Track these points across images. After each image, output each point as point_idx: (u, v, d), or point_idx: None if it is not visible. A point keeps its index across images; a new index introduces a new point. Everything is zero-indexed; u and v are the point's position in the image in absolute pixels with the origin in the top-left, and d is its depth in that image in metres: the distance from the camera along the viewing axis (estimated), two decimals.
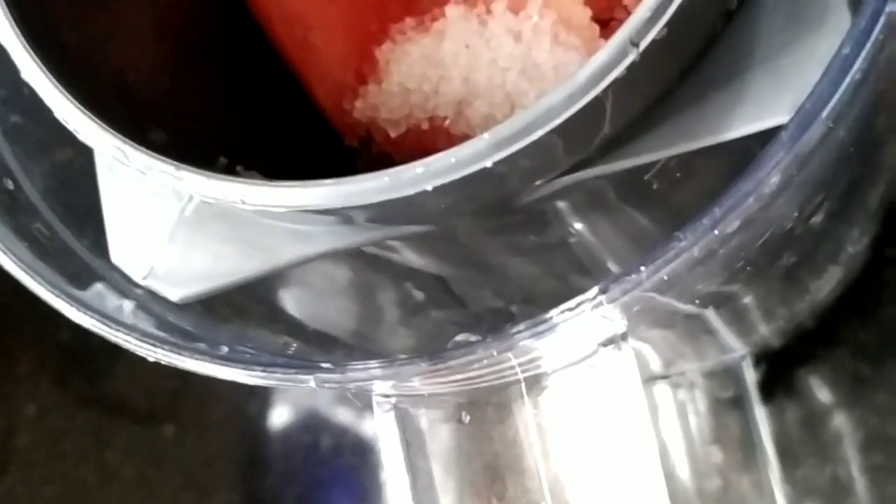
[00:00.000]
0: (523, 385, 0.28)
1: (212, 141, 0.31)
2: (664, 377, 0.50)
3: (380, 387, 0.27)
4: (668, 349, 0.46)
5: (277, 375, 0.26)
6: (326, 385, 0.26)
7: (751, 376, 0.52)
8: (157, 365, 0.67)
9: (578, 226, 0.35)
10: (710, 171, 0.33)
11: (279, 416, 0.65)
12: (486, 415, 0.28)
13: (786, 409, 0.55)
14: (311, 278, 0.40)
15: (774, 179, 0.24)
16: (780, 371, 0.55)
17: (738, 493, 0.53)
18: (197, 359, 0.26)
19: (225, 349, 0.27)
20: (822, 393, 0.56)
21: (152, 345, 0.27)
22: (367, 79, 0.34)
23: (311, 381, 0.25)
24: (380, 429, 0.29)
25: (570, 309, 0.24)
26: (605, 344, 0.27)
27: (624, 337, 0.27)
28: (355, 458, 0.64)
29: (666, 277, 0.24)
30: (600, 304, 0.24)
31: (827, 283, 0.47)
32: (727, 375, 0.52)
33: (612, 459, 0.28)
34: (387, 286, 0.44)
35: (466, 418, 0.29)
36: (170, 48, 0.32)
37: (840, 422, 0.56)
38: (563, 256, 0.38)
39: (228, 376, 0.26)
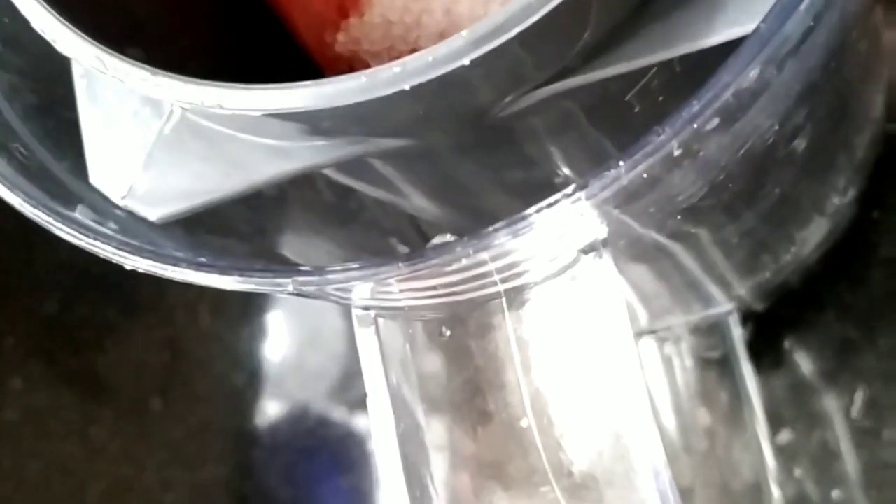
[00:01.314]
0: (504, 299, 0.28)
1: (188, 64, 0.30)
2: (651, 332, 0.50)
3: (359, 296, 0.27)
4: (653, 300, 0.45)
5: (255, 279, 0.26)
6: (304, 288, 0.25)
7: (738, 333, 0.52)
8: (143, 339, 0.67)
9: (560, 162, 0.35)
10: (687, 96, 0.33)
11: (266, 388, 0.65)
12: (466, 329, 0.28)
13: (772, 373, 0.55)
14: (296, 225, 0.40)
15: (753, 73, 0.24)
16: (766, 334, 0.55)
17: (726, 450, 0.53)
18: (175, 265, 0.26)
19: (203, 259, 0.27)
20: (810, 357, 0.56)
21: (131, 252, 0.26)
22: (350, 12, 0.34)
23: (289, 284, 0.25)
24: (360, 343, 0.28)
25: (549, 205, 0.24)
26: (585, 251, 0.27)
27: (604, 244, 0.27)
28: (342, 429, 0.64)
29: (645, 175, 0.24)
30: (579, 199, 0.24)
31: (813, 236, 0.47)
32: (714, 332, 0.52)
33: (594, 372, 0.28)
34: (369, 239, 0.44)
35: (447, 333, 0.28)
36: None
37: (827, 385, 0.56)
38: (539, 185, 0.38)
39: (206, 282, 0.26)
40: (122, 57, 0.27)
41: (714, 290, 0.46)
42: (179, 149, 0.30)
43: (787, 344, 0.57)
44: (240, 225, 0.36)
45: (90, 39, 0.27)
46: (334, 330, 0.66)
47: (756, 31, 0.24)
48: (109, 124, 0.31)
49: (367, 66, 0.33)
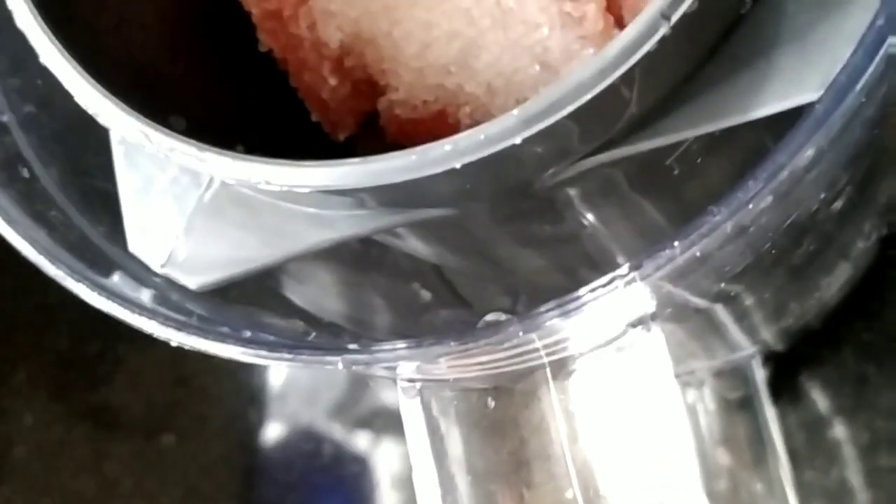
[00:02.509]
0: (548, 369, 0.28)
1: (229, 129, 0.30)
2: (674, 377, 0.50)
3: (405, 371, 0.27)
4: (677, 347, 0.45)
5: (304, 357, 0.25)
6: (353, 366, 0.25)
7: (760, 376, 0.51)
8: (155, 374, 0.67)
9: (592, 216, 0.35)
10: (727, 163, 0.33)
11: (279, 424, 0.65)
12: (511, 400, 0.28)
13: (792, 410, 0.55)
14: (322, 275, 0.40)
15: (809, 153, 0.24)
16: (786, 373, 0.55)
17: (749, 493, 0.53)
18: (221, 342, 0.26)
19: (248, 333, 0.27)
20: (827, 395, 0.56)
21: (176, 328, 0.26)
22: (367, 108, 0.34)
23: (338, 362, 0.25)
24: (405, 415, 0.28)
25: (602, 286, 0.24)
26: (633, 325, 0.27)
27: (653, 317, 0.27)
28: (356, 466, 0.64)
29: (699, 254, 0.24)
30: (633, 280, 0.24)
31: (837, 280, 0.47)
32: (736, 375, 0.52)
33: (641, 444, 0.28)
34: (395, 287, 0.44)
35: (492, 404, 0.28)
36: (182, 33, 0.32)
37: (845, 424, 0.56)
38: (573, 250, 0.38)
39: (253, 359, 0.26)
40: (168, 131, 0.26)
41: (739, 336, 0.46)
42: (219, 217, 0.30)
43: (805, 382, 0.56)
44: (264, 279, 0.36)
45: (134, 113, 0.27)
46: None
47: (812, 111, 0.24)
48: (148, 191, 0.30)
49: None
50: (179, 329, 0.26)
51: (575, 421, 0.28)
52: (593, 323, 0.26)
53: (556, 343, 0.27)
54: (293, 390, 0.66)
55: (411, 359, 0.25)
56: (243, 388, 0.67)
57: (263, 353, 0.26)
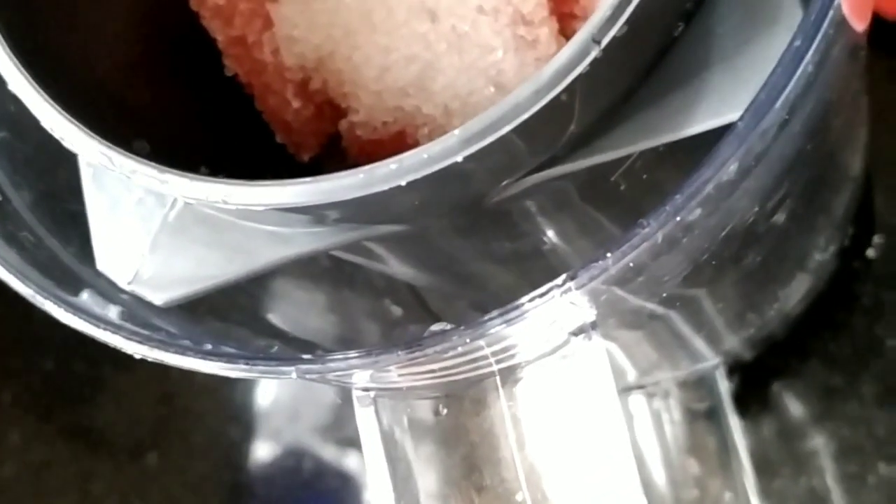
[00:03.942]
0: (498, 378, 0.29)
1: (193, 151, 0.31)
2: (639, 387, 0.51)
3: (359, 379, 0.28)
4: (642, 358, 0.47)
5: (260, 367, 0.27)
6: (307, 376, 0.27)
7: (724, 386, 0.53)
8: (140, 393, 0.68)
9: (550, 231, 0.36)
10: (674, 173, 0.34)
11: (262, 442, 0.66)
12: (462, 407, 0.29)
13: (760, 420, 0.56)
14: (291, 291, 0.41)
15: (732, 167, 0.25)
16: (753, 383, 0.56)
17: (716, 499, 0.54)
18: (182, 354, 0.27)
19: (208, 346, 0.28)
20: (795, 405, 0.57)
21: (139, 342, 0.27)
22: (328, 129, 0.35)
23: (292, 372, 0.26)
24: (360, 423, 0.29)
25: (540, 295, 0.25)
26: (575, 333, 0.28)
27: (594, 326, 0.28)
28: (338, 482, 0.65)
29: (632, 264, 0.25)
30: (569, 290, 0.25)
31: (796, 292, 0.48)
32: (701, 385, 0.53)
33: (585, 449, 0.29)
34: (366, 302, 0.45)
35: (444, 411, 0.29)
36: (148, 60, 0.33)
37: (814, 433, 0.57)
38: (537, 266, 0.39)
39: (212, 370, 0.27)
40: (129, 154, 0.28)
41: (701, 346, 0.47)
42: (183, 235, 0.31)
43: (773, 392, 0.57)
44: (237, 296, 0.37)
45: (97, 137, 0.28)
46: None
47: (733, 128, 0.25)
48: (115, 212, 0.32)
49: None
50: (142, 342, 0.28)
51: (523, 427, 0.29)
52: (536, 331, 0.27)
53: (503, 351, 0.28)
54: (277, 408, 0.67)
55: (363, 367, 0.26)
56: (227, 406, 0.68)
57: (222, 363, 0.27)
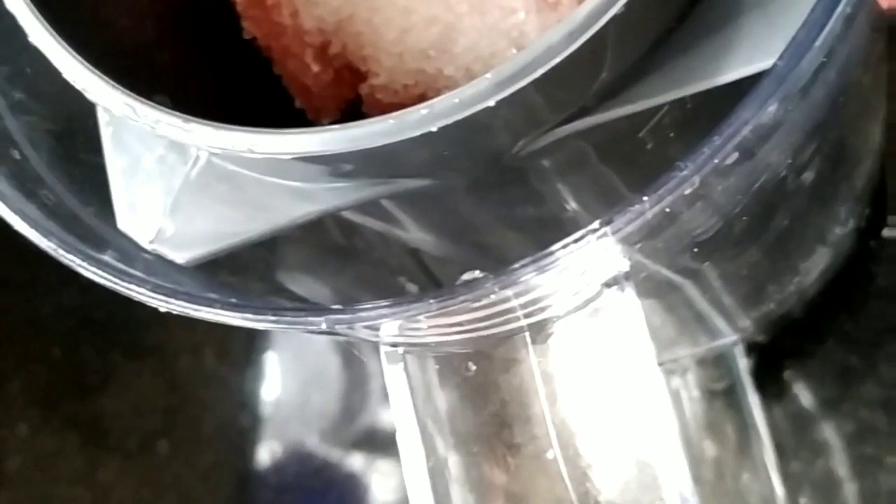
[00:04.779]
0: (527, 333, 0.29)
1: (214, 113, 0.31)
2: (658, 364, 0.50)
3: (388, 332, 0.27)
4: (662, 333, 0.46)
5: (288, 318, 0.26)
6: (337, 326, 0.26)
7: (743, 364, 0.52)
8: (148, 382, 0.68)
9: (571, 197, 0.36)
10: (700, 135, 0.34)
11: (271, 429, 0.65)
12: (492, 364, 0.29)
13: (776, 402, 0.56)
14: (304, 269, 0.41)
15: (771, 108, 0.24)
16: (769, 364, 0.56)
17: (735, 480, 0.54)
18: (209, 306, 0.27)
19: (234, 300, 0.27)
20: (812, 386, 0.57)
21: (165, 295, 0.27)
22: (347, 94, 0.35)
23: (322, 322, 0.26)
24: (388, 380, 0.29)
25: (575, 241, 0.25)
26: (608, 284, 0.28)
27: (627, 277, 0.27)
28: (348, 469, 0.64)
29: (668, 210, 0.25)
30: (605, 235, 0.25)
31: (815, 266, 0.47)
32: (720, 364, 0.52)
33: (619, 403, 0.29)
34: (380, 278, 0.44)
35: (473, 368, 0.29)
36: (168, 18, 0.33)
37: (830, 415, 0.56)
38: (554, 233, 0.38)
39: (238, 322, 0.27)
40: (152, 104, 0.27)
41: (720, 322, 0.47)
42: (205, 193, 0.31)
43: (789, 374, 0.57)
44: (255, 264, 0.36)
45: (120, 88, 0.28)
46: (337, 369, 0.66)
47: (773, 68, 0.25)
48: (135, 170, 0.31)
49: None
50: (169, 296, 0.27)
51: (554, 383, 0.29)
52: (568, 280, 0.27)
53: (533, 303, 0.27)
54: (286, 396, 0.67)
55: (393, 317, 0.26)
56: (235, 395, 0.67)
57: (249, 315, 0.26)
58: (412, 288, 0.45)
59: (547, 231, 0.38)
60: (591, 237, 0.25)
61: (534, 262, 0.25)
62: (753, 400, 0.54)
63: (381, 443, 0.64)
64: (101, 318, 0.68)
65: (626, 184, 0.35)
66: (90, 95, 0.28)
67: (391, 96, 0.34)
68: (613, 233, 0.25)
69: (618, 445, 0.29)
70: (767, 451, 0.53)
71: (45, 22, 0.28)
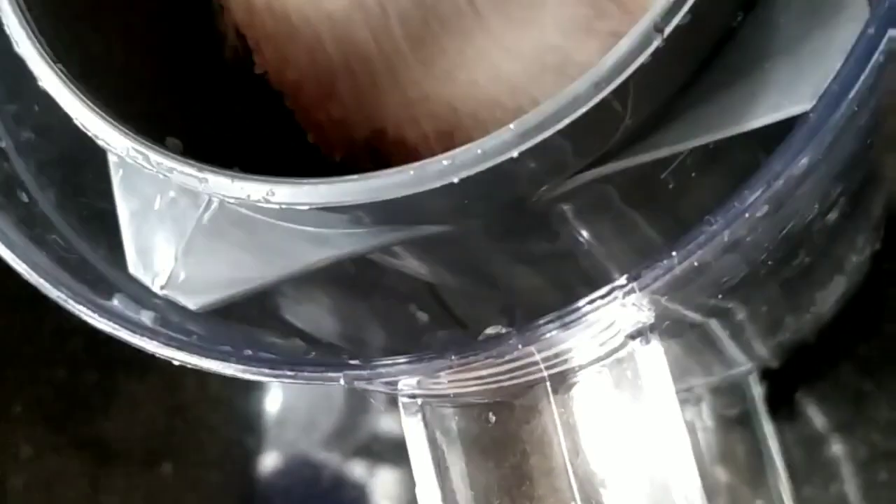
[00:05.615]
0: (548, 383, 0.28)
1: (226, 150, 0.30)
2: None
3: (406, 386, 0.27)
4: (675, 364, 0.45)
5: (306, 374, 0.25)
6: (356, 382, 0.25)
7: (757, 392, 0.52)
8: (152, 403, 0.67)
9: (587, 233, 0.35)
10: (721, 175, 0.33)
11: (277, 451, 0.65)
12: (512, 415, 0.28)
13: (790, 426, 0.55)
14: (321, 298, 0.40)
15: (803, 161, 0.24)
16: (783, 389, 0.55)
17: None
18: (223, 360, 0.26)
19: (248, 351, 0.27)
20: (825, 410, 0.56)
21: (178, 347, 0.26)
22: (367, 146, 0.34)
23: (340, 378, 0.25)
24: (407, 431, 0.28)
25: (601, 297, 0.24)
26: (632, 336, 0.27)
27: (652, 329, 0.27)
28: (354, 491, 0.64)
29: (696, 264, 0.24)
30: (632, 290, 0.24)
31: (831, 294, 0.47)
32: (734, 391, 0.52)
33: (643, 457, 0.28)
34: (392, 310, 0.44)
35: (493, 419, 0.28)
36: (179, 59, 0.32)
37: (843, 439, 0.56)
38: (569, 267, 0.38)
39: (255, 377, 0.26)
40: (166, 152, 0.27)
41: (736, 352, 0.46)
42: (218, 237, 0.30)
43: (803, 398, 0.57)
44: (262, 298, 0.36)
45: (132, 134, 0.27)
46: (343, 391, 0.66)
47: (806, 120, 0.24)
48: (146, 214, 0.31)
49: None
50: (181, 348, 0.26)
51: (576, 434, 0.28)
52: (592, 335, 0.26)
53: (556, 356, 0.27)
54: (290, 417, 0.66)
55: (412, 374, 0.25)
56: (240, 416, 0.67)
57: (265, 370, 0.26)
58: (423, 317, 0.45)
59: (564, 267, 0.38)
60: (618, 293, 0.24)
61: (559, 317, 0.25)
62: (768, 427, 0.53)
63: (388, 465, 0.64)
64: (105, 339, 0.67)
65: (647, 223, 0.35)
66: (102, 142, 0.27)
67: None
68: (641, 289, 0.24)
69: (642, 498, 0.28)
70: (782, 480, 0.53)
71: (55, 67, 0.27)
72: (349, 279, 0.41)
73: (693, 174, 0.31)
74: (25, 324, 0.68)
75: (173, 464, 0.66)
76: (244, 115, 0.33)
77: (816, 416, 0.57)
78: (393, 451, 0.63)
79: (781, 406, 0.56)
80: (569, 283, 0.40)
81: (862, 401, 0.57)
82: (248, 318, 0.33)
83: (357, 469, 0.64)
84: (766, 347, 0.48)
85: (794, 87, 0.27)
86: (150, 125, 0.28)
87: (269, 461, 0.66)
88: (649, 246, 0.36)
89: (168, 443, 0.67)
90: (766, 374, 0.54)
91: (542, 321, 0.25)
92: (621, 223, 0.35)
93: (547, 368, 0.27)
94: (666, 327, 0.32)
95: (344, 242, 0.30)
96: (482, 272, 0.38)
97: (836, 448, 0.57)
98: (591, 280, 0.38)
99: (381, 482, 0.64)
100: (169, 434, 0.68)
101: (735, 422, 0.54)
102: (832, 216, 0.32)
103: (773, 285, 0.37)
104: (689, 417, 0.52)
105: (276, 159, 0.33)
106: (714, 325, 0.38)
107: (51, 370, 0.69)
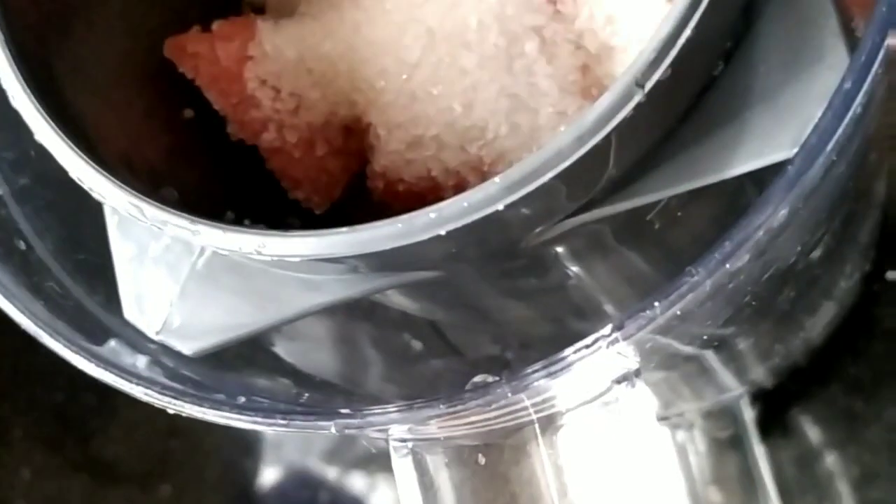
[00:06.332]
0: (537, 426, 0.29)
1: (220, 197, 0.31)
2: (663, 418, 0.50)
3: (396, 431, 0.27)
4: (667, 390, 0.46)
5: (297, 423, 0.26)
6: (346, 430, 0.26)
7: (749, 415, 0.52)
8: (150, 425, 0.68)
9: (577, 269, 0.36)
10: (707, 210, 0.34)
11: (275, 472, 0.65)
12: (501, 456, 0.29)
13: (782, 447, 0.56)
14: (313, 329, 0.41)
15: (783, 213, 0.24)
16: (775, 410, 0.56)
17: None
18: (216, 409, 0.27)
19: (242, 399, 0.27)
20: (817, 430, 0.56)
21: (173, 396, 0.27)
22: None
23: (331, 426, 0.26)
24: (397, 473, 0.29)
25: (586, 346, 0.25)
26: (618, 381, 0.28)
27: (637, 373, 0.27)
28: None
29: (679, 312, 0.25)
30: (616, 340, 0.25)
31: (821, 320, 0.47)
32: (725, 415, 0.52)
33: (630, 497, 0.28)
34: (386, 338, 0.44)
35: (482, 460, 0.29)
36: (171, 112, 0.33)
37: (835, 458, 0.56)
38: (560, 300, 0.38)
39: (248, 425, 0.26)
40: (159, 205, 0.27)
41: (728, 379, 0.46)
42: (212, 283, 0.30)
43: (794, 419, 0.57)
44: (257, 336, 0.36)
45: (126, 187, 0.27)
46: None
47: (784, 173, 0.25)
48: (142, 259, 0.31)
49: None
50: (176, 398, 0.27)
51: (564, 475, 0.29)
52: (579, 381, 0.27)
53: (544, 401, 0.27)
54: (288, 438, 0.67)
55: (403, 422, 0.26)
56: (238, 438, 0.67)
57: (259, 419, 0.26)
58: (417, 345, 0.45)
59: (554, 299, 0.38)
60: (602, 342, 0.25)
61: (545, 367, 0.25)
62: (759, 450, 0.54)
63: (386, 484, 0.64)
64: None
65: (636, 257, 0.35)
66: (97, 195, 0.28)
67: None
68: (625, 338, 0.25)
69: None
70: (772, 498, 0.53)
71: (50, 121, 0.28)
72: (343, 308, 0.41)
73: (678, 213, 0.32)
74: (22, 348, 0.68)
75: (172, 486, 0.67)
76: (237, 164, 0.34)
77: (809, 437, 0.57)
78: (390, 469, 0.63)
79: (774, 427, 0.56)
80: (560, 315, 0.40)
81: (853, 420, 0.57)
82: (240, 353, 0.34)
83: (355, 487, 0.65)
84: (757, 372, 0.48)
85: (775, 135, 0.27)
86: (145, 176, 0.29)
87: (267, 482, 0.66)
88: (638, 276, 0.37)
89: (166, 464, 0.68)
90: (758, 397, 0.54)
91: (529, 370, 0.25)
92: (611, 259, 0.35)
93: (535, 412, 0.28)
94: (657, 362, 0.32)
95: (337, 288, 0.30)
96: (472, 308, 0.38)
97: (828, 468, 0.57)
98: (582, 311, 0.39)
99: (379, 499, 0.64)
100: (167, 456, 0.68)
101: (727, 444, 0.54)
102: (816, 253, 0.33)
103: (761, 319, 0.37)
104: (681, 441, 0.52)
105: (270, 202, 0.34)
106: (708, 355, 0.38)
107: (49, 393, 0.69)
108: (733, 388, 0.48)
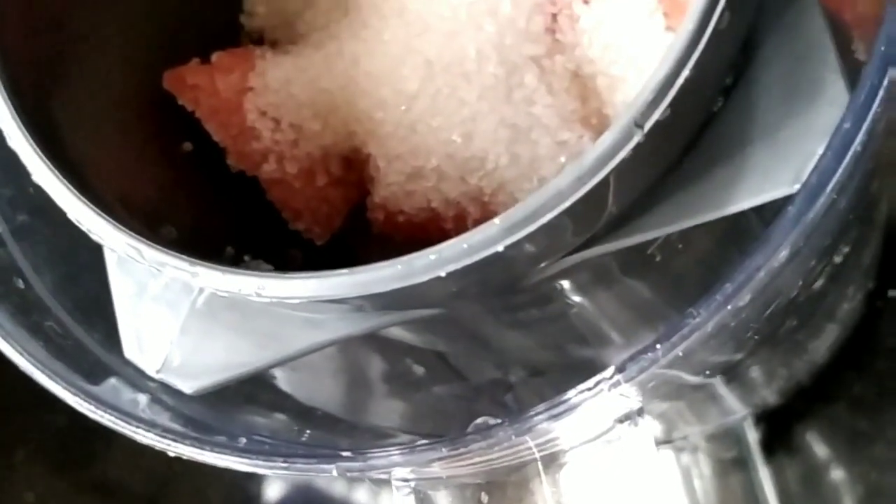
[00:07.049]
0: (540, 464, 0.29)
1: (219, 233, 0.31)
2: (667, 442, 0.50)
3: (399, 471, 0.27)
4: (671, 414, 0.46)
5: (299, 466, 0.26)
6: (348, 473, 0.26)
7: (752, 436, 0.52)
8: (154, 449, 0.67)
9: (580, 299, 0.36)
10: (708, 236, 0.33)
11: (279, 496, 0.65)
12: (505, 494, 0.29)
13: (787, 466, 0.55)
14: (315, 359, 0.40)
15: (783, 253, 0.24)
16: (779, 429, 0.55)
17: None
18: (217, 452, 0.26)
19: (243, 440, 0.27)
20: (822, 448, 0.56)
21: (173, 440, 0.27)
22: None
23: (332, 469, 0.26)
24: None
25: (588, 389, 0.25)
26: (621, 420, 0.27)
27: (640, 412, 0.27)
28: None
29: (681, 353, 0.25)
30: (618, 383, 0.25)
31: (825, 342, 0.47)
32: (729, 437, 0.52)
33: None
34: (388, 365, 0.44)
35: (485, 498, 0.29)
36: (170, 151, 0.33)
37: (840, 476, 0.56)
38: (562, 328, 0.38)
39: (249, 468, 0.26)
40: (158, 247, 0.27)
41: (733, 402, 0.46)
42: (212, 321, 0.30)
43: (799, 437, 0.57)
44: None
45: (124, 229, 0.27)
46: None
47: (785, 213, 0.24)
48: (141, 297, 0.31)
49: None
50: (177, 441, 0.27)
51: None
52: (582, 422, 0.27)
53: (547, 441, 0.27)
54: None
55: (405, 465, 0.26)
56: None
57: (259, 462, 0.26)
58: (419, 370, 0.45)
59: (555, 328, 0.38)
60: (604, 385, 0.25)
61: (547, 409, 0.25)
62: (763, 471, 0.53)
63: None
64: None
65: (638, 286, 0.35)
66: (95, 236, 0.27)
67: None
68: (626, 380, 0.25)
69: None
70: None
71: (47, 161, 0.28)
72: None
73: (679, 246, 0.32)
74: (24, 371, 0.68)
75: None
76: (236, 200, 0.34)
77: (814, 455, 0.57)
78: None
79: (779, 446, 0.56)
80: (563, 343, 0.40)
81: (858, 438, 0.57)
82: (240, 390, 0.33)
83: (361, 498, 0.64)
84: (761, 395, 0.48)
85: (775, 172, 0.27)
86: (144, 216, 0.29)
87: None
88: (640, 303, 0.37)
89: (170, 487, 0.68)
90: (762, 417, 0.54)
91: (531, 413, 0.25)
92: (612, 290, 0.35)
93: (538, 451, 0.28)
94: (663, 394, 0.32)
95: (339, 326, 0.30)
96: (475, 338, 0.38)
97: (833, 486, 0.57)
98: (584, 338, 0.38)
99: None
100: (171, 478, 0.68)
101: (731, 465, 0.54)
102: (818, 284, 0.33)
103: (764, 349, 0.37)
104: (685, 464, 0.52)
105: (270, 237, 0.34)
106: (715, 381, 0.38)
107: (52, 415, 0.69)
108: (737, 411, 0.48)
